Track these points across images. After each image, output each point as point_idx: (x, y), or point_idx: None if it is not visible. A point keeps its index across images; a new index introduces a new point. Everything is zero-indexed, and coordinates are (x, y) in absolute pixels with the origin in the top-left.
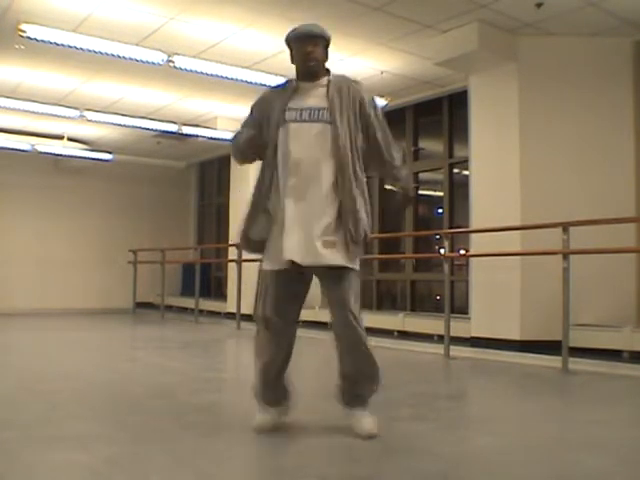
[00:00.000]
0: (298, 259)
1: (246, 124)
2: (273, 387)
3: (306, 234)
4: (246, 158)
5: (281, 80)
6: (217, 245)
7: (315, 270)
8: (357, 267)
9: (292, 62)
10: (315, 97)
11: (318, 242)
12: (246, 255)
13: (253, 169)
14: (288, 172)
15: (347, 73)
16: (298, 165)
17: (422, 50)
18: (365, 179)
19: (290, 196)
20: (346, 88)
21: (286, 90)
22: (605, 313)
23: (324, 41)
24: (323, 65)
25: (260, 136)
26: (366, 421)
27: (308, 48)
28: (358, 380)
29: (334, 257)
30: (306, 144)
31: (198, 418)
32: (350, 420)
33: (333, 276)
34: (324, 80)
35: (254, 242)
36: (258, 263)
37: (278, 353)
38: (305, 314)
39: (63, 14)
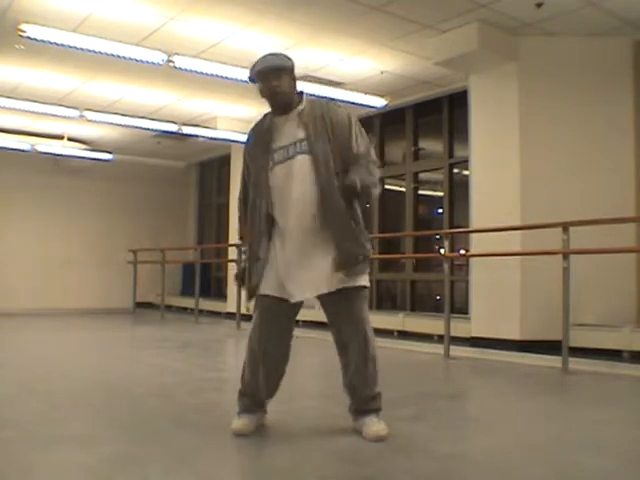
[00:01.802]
0: (312, 293)
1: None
2: (260, 399)
3: (314, 265)
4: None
5: None
6: (217, 245)
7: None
8: (366, 284)
9: (262, 97)
10: (292, 130)
11: (329, 269)
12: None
13: None
14: (282, 210)
15: (347, 73)
16: (291, 202)
17: (422, 50)
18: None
19: (288, 235)
20: (320, 114)
21: (265, 128)
22: (605, 313)
23: (288, 71)
24: (292, 94)
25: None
26: (376, 424)
27: (273, 82)
28: (369, 392)
29: (345, 279)
30: (294, 180)
31: (198, 418)
32: (360, 426)
33: (343, 297)
34: (297, 110)
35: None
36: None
37: (274, 371)
38: (305, 314)
39: (63, 14)
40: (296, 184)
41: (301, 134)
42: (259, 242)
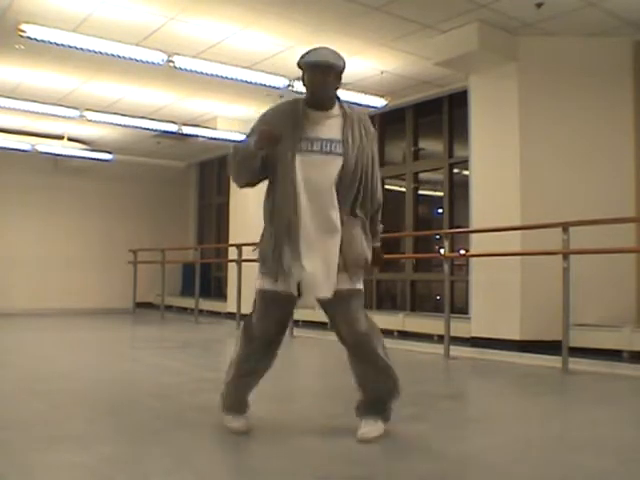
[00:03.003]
0: (322, 293)
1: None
2: (245, 397)
3: (324, 266)
4: (251, 172)
5: (280, 80)
6: (217, 245)
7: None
8: (361, 287)
9: (303, 84)
10: (327, 128)
11: (334, 270)
12: (246, 255)
13: None
14: (303, 202)
15: (347, 73)
16: (314, 196)
17: (422, 50)
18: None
19: (306, 228)
20: (358, 123)
21: (294, 115)
22: (605, 313)
23: (337, 71)
24: (333, 94)
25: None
26: (369, 425)
27: (318, 77)
28: (378, 392)
29: (342, 281)
30: (319, 176)
31: (198, 418)
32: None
33: (341, 297)
34: (336, 110)
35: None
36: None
37: (266, 366)
38: (305, 314)
39: (63, 14)
40: (323, 182)
41: (338, 135)
42: (289, 225)
